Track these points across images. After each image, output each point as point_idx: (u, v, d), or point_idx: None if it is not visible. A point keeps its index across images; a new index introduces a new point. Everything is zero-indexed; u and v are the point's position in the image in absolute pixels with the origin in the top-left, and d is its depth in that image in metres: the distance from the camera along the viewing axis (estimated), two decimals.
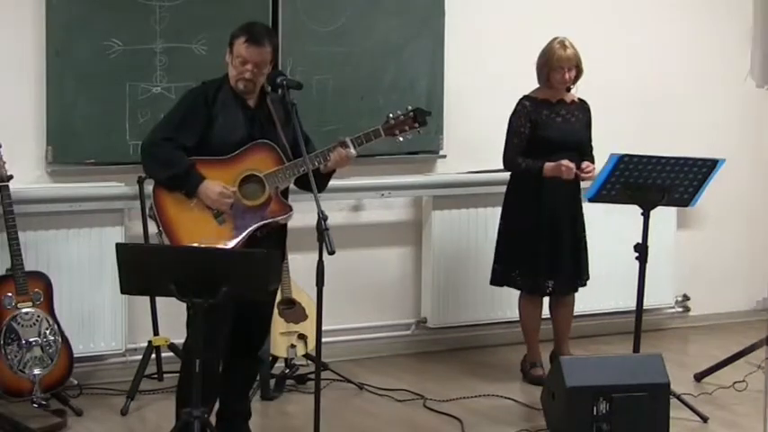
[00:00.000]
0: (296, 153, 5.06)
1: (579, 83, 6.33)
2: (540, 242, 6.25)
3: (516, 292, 6.54)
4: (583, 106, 6.40)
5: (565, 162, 6.09)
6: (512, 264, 6.35)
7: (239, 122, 5.04)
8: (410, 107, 5.26)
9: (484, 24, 6.98)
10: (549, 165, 6.13)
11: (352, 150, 5.11)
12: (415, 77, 6.74)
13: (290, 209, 5.09)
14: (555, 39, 6.27)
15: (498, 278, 6.44)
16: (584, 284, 6.42)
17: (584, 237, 6.37)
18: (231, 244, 4.96)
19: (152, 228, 5.14)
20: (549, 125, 6.24)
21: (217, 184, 4.98)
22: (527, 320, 6.46)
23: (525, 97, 6.31)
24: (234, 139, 5.02)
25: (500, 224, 6.43)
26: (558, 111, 6.30)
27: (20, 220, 5.68)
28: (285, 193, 5.15)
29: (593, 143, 6.42)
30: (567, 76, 6.21)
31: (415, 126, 5.23)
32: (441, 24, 6.81)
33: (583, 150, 6.30)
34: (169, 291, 4.60)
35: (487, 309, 6.99)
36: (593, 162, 6.21)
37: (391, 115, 5.22)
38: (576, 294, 6.47)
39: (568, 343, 6.55)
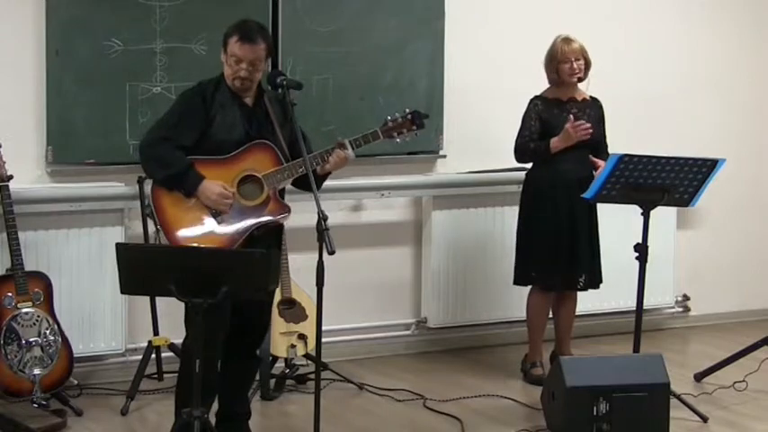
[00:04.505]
0: (293, 151, 5.06)
1: (588, 80, 6.35)
2: (558, 238, 6.24)
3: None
4: (595, 104, 6.42)
5: (567, 125, 6.09)
6: (531, 261, 6.35)
7: (237, 121, 5.04)
8: (408, 110, 5.29)
9: (484, 24, 6.98)
10: (554, 139, 6.15)
11: (351, 152, 5.13)
12: (415, 77, 6.74)
13: (288, 209, 5.08)
14: (558, 36, 6.30)
15: (520, 278, 6.43)
16: (599, 284, 6.43)
17: (598, 236, 6.38)
18: (230, 244, 4.95)
19: (152, 228, 5.14)
20: (561, 123, 6.23)
21: (217, 184, 4.97)
22: (536, 318, 6.44)
23: (536, 97, 6.34)
24: (232, 138, 5.02)
25: (518, 224, 6.43)
26: (569, 109, 6.30)
27: (20, 220, 5.68)
28: (282, 192, 5.14)
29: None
30: (575, 65, 6.24)
31: (413, 129, 5.28)
32: (441, 24, 6.81)
33: (597, 148, 6.30)
34: (169, 291, 4.60)
35: (487, 309, 6.99)
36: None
37: (389, 118, 5.26)
38: (578, 294, 6.48)
39: (570, 343, 6.55)
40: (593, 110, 6.39)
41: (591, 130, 6.15)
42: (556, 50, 6.26)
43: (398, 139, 5.28)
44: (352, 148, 5.13)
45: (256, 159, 5.03)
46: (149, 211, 5.05)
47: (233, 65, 5.01)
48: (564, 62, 6.25)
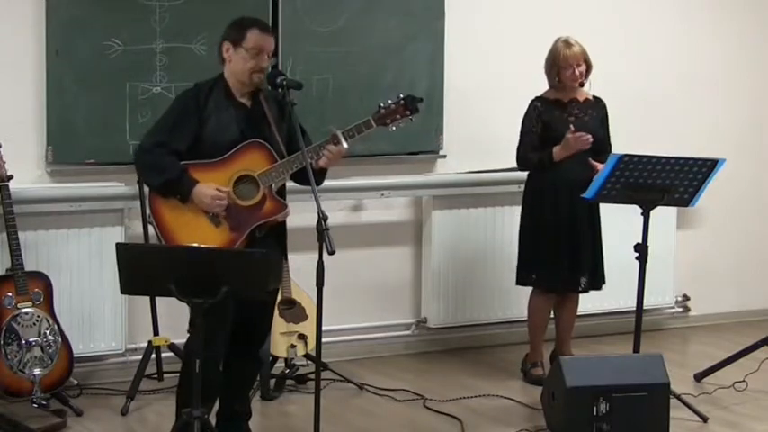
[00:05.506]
0: (291, 150, 5.05)
1: (590, 80, 6.34)
2: (559, 239, 6.23)
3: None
4: (597, 104, 6.39)
5: (568, 134, 6.06)
6: (533, 262, 6.34)
7: (232, 122, 5.02)
8: (401, 95, 5.19)
9: (484, 24, 6.98)
10: (556, 148, 6.12)
11: (345, 144, 5.05)
12: (415, 77, 6.74)
13: (286, 206, 5.06)
14: (558, 39, 6.27)
15: (522, 279, 6.42)
16: (602, 285, 6.43)
17: (601, 237, 6.37)
18: (229, 245, 4.94)
19: (152, 229, 5.13)
20: (561, 125, 6.19)
21: (209, 187, 4.95)
22: (537, 318, 6.43)
23: (537, 98, 6.31)
24: (227, 139, 4.99)
25: (520, 225, 6.41)
26: (570, 110, 6.29)
27: (20, 220, 5.68)
28: (283, 192, 5.13)
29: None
30: (577, 71, 6.22)
31: (407, 114, 5.15)
32: (441, 24, 6.81)
33: (599, 148, 6.26)
34: (169, 291, 4.60)
35: (487, 309, 6.99)
36: None
37: (382, 105, 5.15)
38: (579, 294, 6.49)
39: (570, 343, 6.54)
40: (595, 110, 6.37)
41: (591, 140, 6.11)
42: (557, 55, 6.23)
43: (393, 127, 5.15)
44: (346, 140, 5.06)
45: (251, 159, 5.01)
46: (151, 221, 5.04)
47: (253, 57, 4.97)
48: (566, 68, 6.21)
